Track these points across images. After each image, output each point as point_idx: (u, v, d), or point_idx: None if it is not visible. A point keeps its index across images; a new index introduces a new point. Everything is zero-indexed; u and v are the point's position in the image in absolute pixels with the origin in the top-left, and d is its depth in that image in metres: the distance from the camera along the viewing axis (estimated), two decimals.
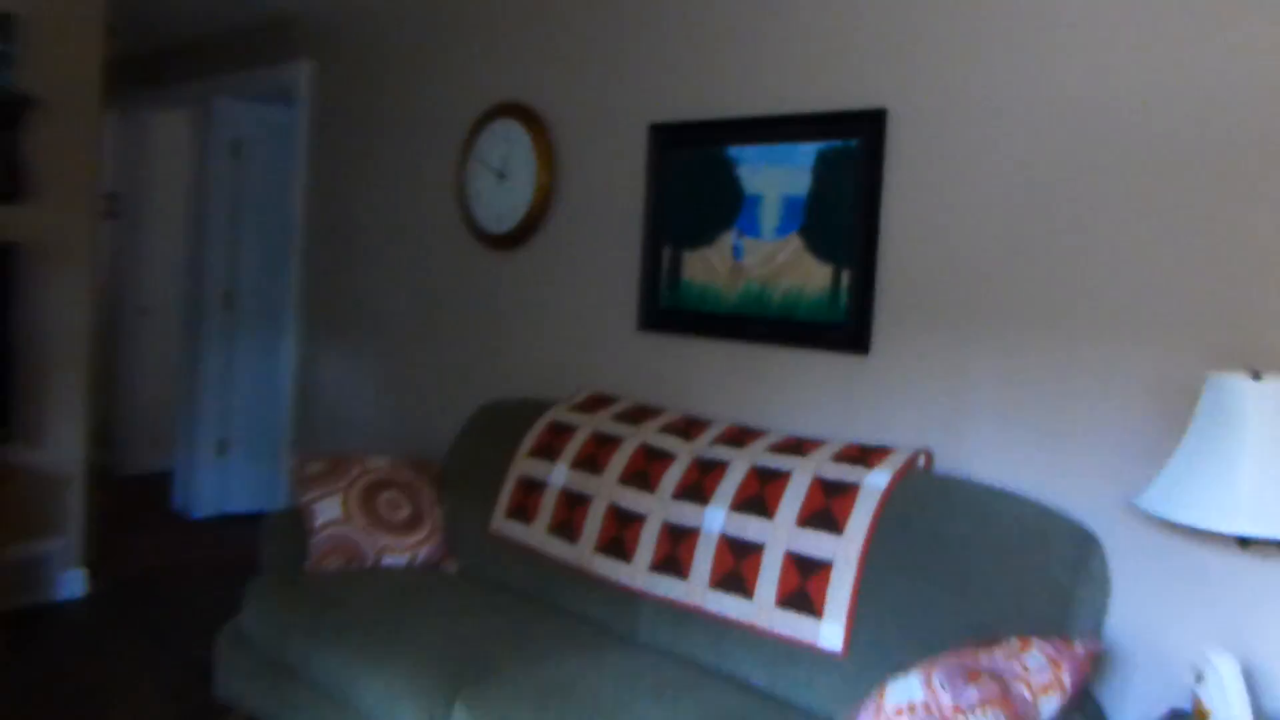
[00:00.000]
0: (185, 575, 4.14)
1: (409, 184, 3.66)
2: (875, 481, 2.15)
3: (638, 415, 2.69)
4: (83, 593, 3.80)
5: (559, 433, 2.74)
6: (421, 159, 3.61)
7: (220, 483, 4.99)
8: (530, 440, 2.79)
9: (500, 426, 2.95)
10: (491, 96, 3.33)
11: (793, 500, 2.20)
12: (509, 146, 3.22)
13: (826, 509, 2.15)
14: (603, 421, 2.70)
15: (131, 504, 5.17)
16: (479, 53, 3.39)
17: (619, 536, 2.45)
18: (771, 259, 2.56)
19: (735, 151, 2.63)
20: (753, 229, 2.60)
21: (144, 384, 5.67)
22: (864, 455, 2.23)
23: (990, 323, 2.19)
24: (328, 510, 2.75)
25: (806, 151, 2.49)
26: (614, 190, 2.95)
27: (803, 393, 2.51)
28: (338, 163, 4.01)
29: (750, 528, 2.23)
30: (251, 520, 4.94)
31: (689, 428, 2.57)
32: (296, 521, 2.83)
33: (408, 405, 3.65)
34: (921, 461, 2.23)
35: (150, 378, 5.68)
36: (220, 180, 4.85)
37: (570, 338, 3.07)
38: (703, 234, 2.71)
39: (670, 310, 2.79)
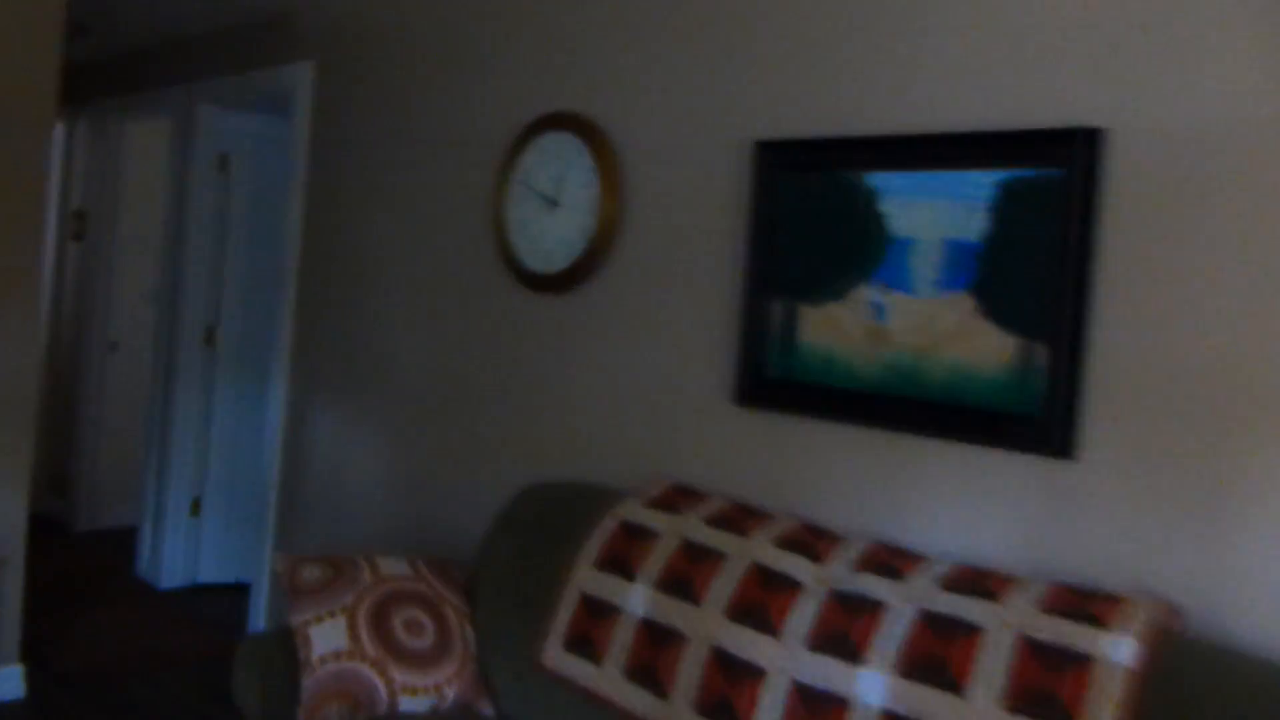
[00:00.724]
0: (147, 668, 3.45)
1: (431, 210, 3.03)
2: (1117, 652, 1.51)
3: (740, 520, 2.06)
4: (18, 695, 3.12)
5: (634, 538, 2.10)
6: (448, 180, 2.98)
7: (192, 548, 4.32)
8: (596, 545, 2.14)
9: (551, 520, 2.31)
10: (540, 105, 2.71)
11: (992, 670, 1.57)
12: (562, 166, 2.60)
13: (1049, 691, 1.51)
14: (694, 526, 2.06)
15: (89, 568, 4.48)
16: (525, 52, 2.77)
17: (726, 696, 1.81)
18: (929, 323, 1.94)
19: (878, 180, 2.01)
20: (902, 282, 1.97)
21: (109, 428, 4.99)
22: (1084, 605, 1.60)
23: (1277, 418, 1.57)
24: (329, 637, 2.10)
25: (982, 182, 1.87)
26: (703, 223, 2.32)
27: (973, 504, 1.88)
28: (342, 183, 3.37)
29: (930, 708, 1.59)
30: (228, 592, 4.25)
31: (815, 543, 1.93)
32: (285, 648, 2.17)
33: (423, 482, 3.00)
34: (1171, 619, 1.60)
35: (117, 421, 5.00)
36: (203, 199, 4.21)
37: (640, 409, 2.43)
38: (830, 285, 2.08)
39: (780, 382, 2.16)
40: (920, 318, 1.96)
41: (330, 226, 3.42)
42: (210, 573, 4.34)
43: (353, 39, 3.37)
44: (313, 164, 3.51)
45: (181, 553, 4.29)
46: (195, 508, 4.29)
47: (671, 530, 2.07)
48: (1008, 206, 1.84)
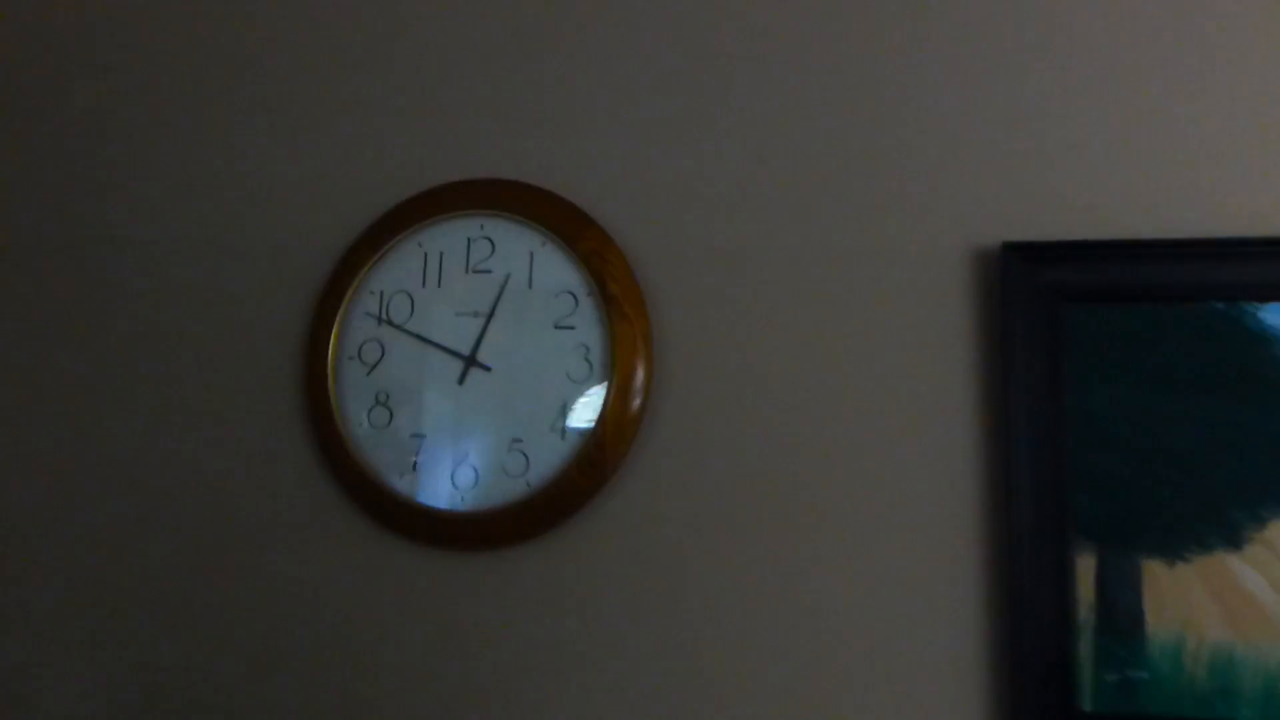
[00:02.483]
0: None
1: (157, 382, 1.45)
2: None
3: None
4: None
5: None
6: (196, 320, 1.44)
7: None
8: None
9: None
10: (429, 165, 1.37)
11: None
12: (490, 288, 1.28)
13: None
14: None
15: None
16: (392, 59, 1.42)
17: None
18: None
19: None
20: None
21: None
22: None
23: None
24: None
25: None
26: (867, 397, 1.18)
27: None
28: None
29: None
30: None
31: None
32: None
33: None
34: None
35: None
36: None
37: None
38: (1213, 519, 1.07)
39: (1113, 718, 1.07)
40: None
41: None
42: None
43: None
44: None
45: None
46: None
47: None
48: None
